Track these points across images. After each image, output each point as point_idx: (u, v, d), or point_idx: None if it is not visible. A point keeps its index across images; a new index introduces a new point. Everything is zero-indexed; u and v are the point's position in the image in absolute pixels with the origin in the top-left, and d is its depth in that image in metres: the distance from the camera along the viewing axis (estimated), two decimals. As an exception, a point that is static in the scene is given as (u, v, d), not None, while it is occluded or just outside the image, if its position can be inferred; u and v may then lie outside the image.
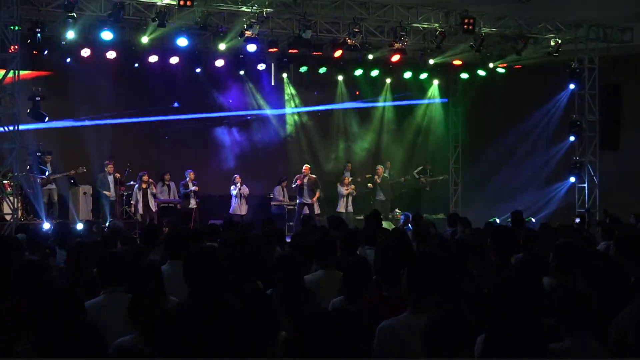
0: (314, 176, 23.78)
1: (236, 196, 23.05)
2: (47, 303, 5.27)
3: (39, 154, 20.01)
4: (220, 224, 12.93)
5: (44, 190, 20.92)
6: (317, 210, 23.68)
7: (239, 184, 23.09)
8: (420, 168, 26.73)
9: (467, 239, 10.53)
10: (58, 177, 21.32)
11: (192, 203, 22.75)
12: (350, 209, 24.17)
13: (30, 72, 20.96)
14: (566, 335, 5.04)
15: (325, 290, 7.05)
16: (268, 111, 26.17)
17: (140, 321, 5.46)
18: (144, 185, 21.98)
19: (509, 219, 14.93)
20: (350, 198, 24.26)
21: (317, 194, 23.73)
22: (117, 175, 21.88)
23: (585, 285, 6.10)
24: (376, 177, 25.08)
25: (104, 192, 21.51)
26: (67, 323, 4.72)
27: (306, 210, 22.94)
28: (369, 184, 25.19)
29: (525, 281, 5.50)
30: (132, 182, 22.36)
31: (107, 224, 19.24)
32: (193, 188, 22.79)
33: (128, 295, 6.39)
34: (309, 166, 23.87)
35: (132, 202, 22.16)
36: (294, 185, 23.61)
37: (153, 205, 22.16)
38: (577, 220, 19.24)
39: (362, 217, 21.57)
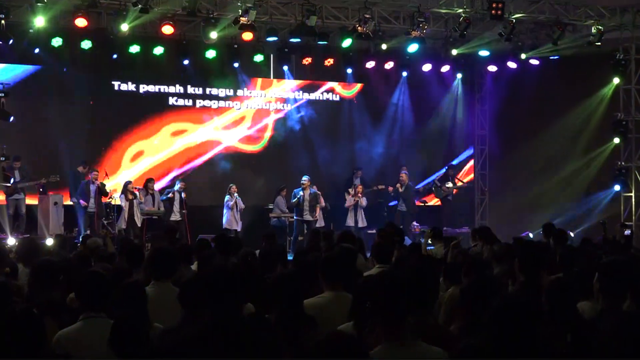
0: (315, 190, 23.46)
1: (231, 208, 22.98)
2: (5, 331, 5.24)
3: (2, 158, 19.99)
4: (212, 239, 12.91)
5: (10, 201, 20.89)
6: (321, 224, 23.48)
7: (235, 195, 23.01)
8: (440, 175, 26.67)
9: (492, 257, 10.54)
10: (27, 186, 21.25)
11: (177, 215, 22.59)
12: (363, 223, 24.01)
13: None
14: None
15: (334, 316, 7.02)
16: (266, 109, 26.11)
17: (123, 351, 5.44)
18: (130, 196, 21.86)
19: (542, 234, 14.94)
20: (361, 210, 24.11)
21: (318, 210, 23.54)
22: (98, 182, 21.75)
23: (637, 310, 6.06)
24: (398, 185, 24.94)
25: (81, 201, 21.41)
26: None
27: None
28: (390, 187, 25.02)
29: (534, 305, 5.43)
30: (110, 191, 22.30)
31: (80, 240, 19.25)
32: (182, 193, 22.64)
33: (110, 321, 6.38)
34: (308, 178, 23.57)
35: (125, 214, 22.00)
36: (292, 201, 23.42)
37: (139, 219, 22.01)
38: (627, 232, 19.18)
39: (374, 232, 21.73)
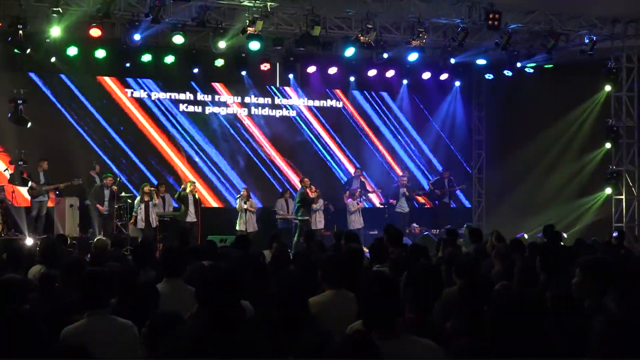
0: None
1: (240, 209, 22.81)
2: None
3: (20, 162, 20.02)
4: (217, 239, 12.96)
5: (34, 203, 20.84)
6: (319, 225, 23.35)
7: (245, 198, 22.85)
8: (436, 178, 26.67)
9: (495, 255, 10.57)
10: (50, 189, 21.25)
11: (192, 217, 22.53)
12: (361, 224, 23.89)
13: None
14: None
15: (335, 314, 7.05)
16: (272, 115, 26.14)
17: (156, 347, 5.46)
18: (145, 198, 21.78)
19: (539, 234, 14.97)
20: (360, 212, 24.03)
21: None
22: (115, 188, 21.69)
23: (629, 307, 6.08)
24: (404, 189, 24.92)
25: (97, 205, 21.41)
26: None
27: None
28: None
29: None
30: (123, 194, 22.27)
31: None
32: (195, 195, 22.61)
33: (115, 317, 6.43)
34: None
35: (135, 214, 21.82)
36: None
37: (154, 221, 21.95)
38: (615, 234, 19.19)
39: (375, 233, 21.74)
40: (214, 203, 25.03)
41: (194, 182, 23.09)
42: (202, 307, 6.13)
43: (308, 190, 23.06)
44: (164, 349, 4.98)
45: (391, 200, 25.19)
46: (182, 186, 22.75)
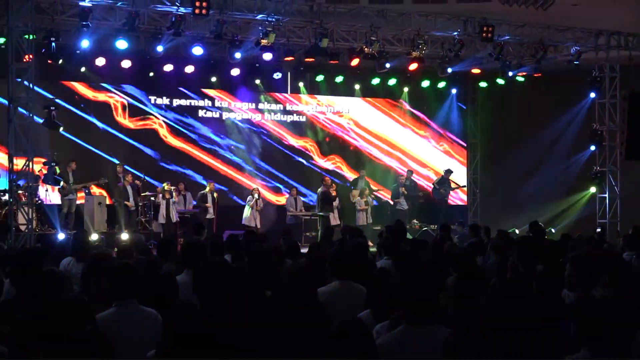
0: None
1: (251, 207, 23.01)
2: (59, 312, 5.28)
3: (53, 163, 20.08)
4: (238, 234, 12.98)
5: (64, 201, 21.03)
6: (336, 221, 23.54)
7: (256, 196, 23.07)
8: (438, 179, 26.62)
9: (490, 247, 10.59)
10: (78, 187, 21.40)
11: (211, 213, 22.78)
12: (370, 220, 24.09)
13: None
14: (583, 347, 5.02)
15: (341, 303, 7.05)
16: (284, 120, 26.17)
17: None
18: (167, 195, 21.99)
19: (528, 230, 14.96)
20: (368, 209, 24.18)
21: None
22: (138, 182, 21.95)
23: (612, 297, 6.10)
24: (402, 188, 24.98)
25: (125, 202, 21.53)
26: (75, 331, 4.74)
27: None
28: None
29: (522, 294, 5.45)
30: (147, 193, 22.42)
31: (121, 236, 19.32)
32: (213, 193, 22.90)
33: (141, 307, 6.43)
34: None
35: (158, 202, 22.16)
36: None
37: (174, 216, 22.15)
38: (598, 230, 19.18)
39: (378, 228, 21.74)
40: (228, 201, 25.03)
41: (212, 182, 23.35)
42: (200, 301, 6.11)
43: (330, 190, 23.39)
44: (164, 343, 4.94)
45: (392, 200, 25.27)
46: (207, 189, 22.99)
